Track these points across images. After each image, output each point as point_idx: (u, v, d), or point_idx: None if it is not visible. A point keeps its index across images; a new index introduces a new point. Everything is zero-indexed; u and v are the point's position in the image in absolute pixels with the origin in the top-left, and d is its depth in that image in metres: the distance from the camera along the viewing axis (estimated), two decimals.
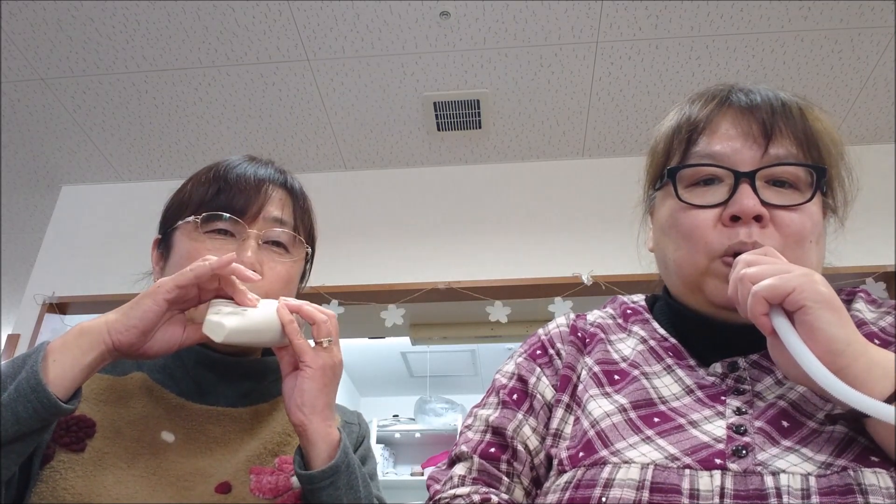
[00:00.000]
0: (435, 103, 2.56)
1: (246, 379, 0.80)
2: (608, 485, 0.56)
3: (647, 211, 0.79)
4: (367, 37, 2.27)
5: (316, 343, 0.71)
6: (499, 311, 2.52)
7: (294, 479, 0.75)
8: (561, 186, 2.83)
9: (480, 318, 2.62)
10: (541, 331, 0.80)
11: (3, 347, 2.71)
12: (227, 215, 0.77)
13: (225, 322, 0.65)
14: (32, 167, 2.91)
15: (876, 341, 0.61)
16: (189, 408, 0.75)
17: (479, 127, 2.68)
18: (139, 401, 0.74)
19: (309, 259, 0.88)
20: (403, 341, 4.01)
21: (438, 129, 2.70)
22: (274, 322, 0.69)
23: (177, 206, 0.82)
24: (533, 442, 0.69)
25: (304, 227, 0.85)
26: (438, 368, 5.09)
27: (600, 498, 0.56)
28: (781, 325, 0.54)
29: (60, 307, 2.72)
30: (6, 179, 2.98)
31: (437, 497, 0.68)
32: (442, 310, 3.16)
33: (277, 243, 0.80)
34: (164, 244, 0.83)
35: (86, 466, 0.67)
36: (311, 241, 0.87)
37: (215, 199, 0.78)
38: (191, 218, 0.78)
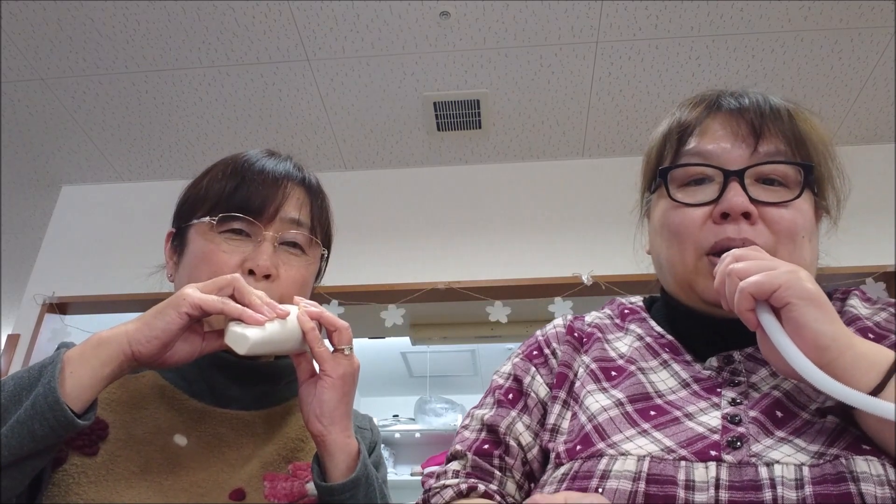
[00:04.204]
0: (435, 103, 2.56)
1: (260, 382, 0.79)
2: (605, 476, 0.57)
3: (644, 214, 0.81)
4: (367, 37, 2.27)
5: (336, 350, 0.69)
6: (499, 311, 2.52)
7: (309, 486, 0.74)
8: (561, 186, 2.83)
9: (480, 318, 2.62)
10: (538, 332, 0.81)
11: (2, 347, 2.70)
12: (243, 216, 0.76)
13: (248, 334, 0.63)
14: (32, 167, 2.91)
15: (870, 336, 0.63)
16: (202, 410, 0.74)
17: (479, 127, 2.68)
18: (152, 402, 0.73)
19: (325, 259, 0.86)
20: (403, 341, 4.01)
21: (438, 129, 2.70)
22: (295, 329, 0.67)
23: (192, 200, 0.80)
24: (526, 438, 0.70)
25: (321, 227, 0.83)
26: (438, 368, 5.08)
27: (597, 489, 0.56)
28: (768, 321, 0.55)
29: (60, 307, 2.72)
30: (6, 179, 2.98)
31: (428, 489, 0.70)
32: (442, 310, 3.16)
33: (293, 244, 0.79)
34: (178, 239, 0.81)
35: (98, 471, 0.66)
36: (327, 241, 0.85)
37: (232, 196, 0.77)
38: (206, 219, 0.76)
